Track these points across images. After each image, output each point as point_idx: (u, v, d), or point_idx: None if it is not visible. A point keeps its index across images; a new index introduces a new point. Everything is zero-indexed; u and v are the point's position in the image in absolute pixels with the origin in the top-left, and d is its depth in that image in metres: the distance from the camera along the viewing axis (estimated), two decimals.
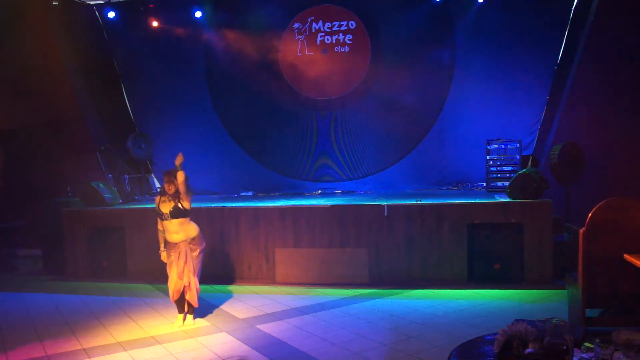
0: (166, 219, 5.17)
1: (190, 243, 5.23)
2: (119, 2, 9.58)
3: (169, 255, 5.30)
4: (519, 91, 8.64)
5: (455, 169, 9.12)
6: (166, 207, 5.17)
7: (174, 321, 5.46)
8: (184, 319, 5.42)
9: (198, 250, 5.31)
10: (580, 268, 4.37)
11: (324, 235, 6.96)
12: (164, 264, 5.43)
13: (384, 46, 9.26)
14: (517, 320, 2.78)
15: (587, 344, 2.72)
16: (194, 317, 5.51)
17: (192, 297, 5.30)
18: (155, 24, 9.53)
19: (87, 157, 9.27)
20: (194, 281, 5.27)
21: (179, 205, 5.15)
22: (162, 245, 5.37)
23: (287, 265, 7.09)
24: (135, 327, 5.43)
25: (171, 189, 5.16)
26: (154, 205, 5.37)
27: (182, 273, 5.20)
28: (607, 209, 4.33)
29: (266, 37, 9.62)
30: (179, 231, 5.19)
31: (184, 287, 5.27)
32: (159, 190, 9.93)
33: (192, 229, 5.27)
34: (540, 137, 8.64)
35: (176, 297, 5.32)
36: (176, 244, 5.22)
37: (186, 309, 5.44)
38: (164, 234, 5.30)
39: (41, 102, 9.35)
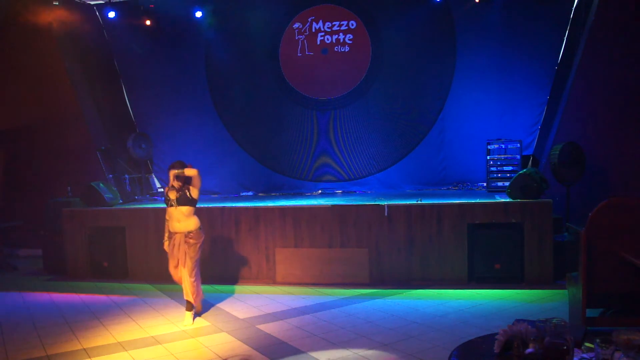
0: (172, 205, 5.25)
1: (187, 236, 5.25)
2: (119, 2, 9.58)
3: (169, 247, 5.36)
4: (519, 91, 8.64)
5: (456, 169, 9.12)
6: (173, 194, 5.27)
7: (175, 321, 5.43)
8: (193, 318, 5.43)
9: (193, 242, 5.29)
10: (581, 268, 4.37)
11: (325, 235, 6.96)
12: (165, 264, 5.49)
13: (384, 46, 9.26)
14: (517, 320, 2.78)
15: (587, 344, 2.71)
16: (194, 317, 5.49)
17: (187, 295, 5.36)
18: (148, 22, 9.49)
19: (87, 157, 9.29)
20: (189, 280, 5.28)
21: (187, 193, 5.24)
22: (166, 235, 5.42)
23: (288, 265, 7.09)
24: (136, 327, 5.43)
25: (179, 182, 5.27)
26: (154, 205, 5.39)
27: (178, 265, 5.28)
28: (607, 209, 4.32)
29: (266, 37, 9.63)
30: (181, 220, 5.25)
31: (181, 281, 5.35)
32: (159, 189, 9.97)
33: (191, 223, 5.31)
34: (541, 137, 8.64)
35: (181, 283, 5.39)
36: (175, 233, 5.27)
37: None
38: (168, 223, 5.38)
39: (41, 102, 9.36)
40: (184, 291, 5.40)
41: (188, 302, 5.44)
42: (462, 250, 6.61)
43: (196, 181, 5.29)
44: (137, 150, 9.33)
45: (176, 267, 5.33)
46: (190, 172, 5.24)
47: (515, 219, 6.48)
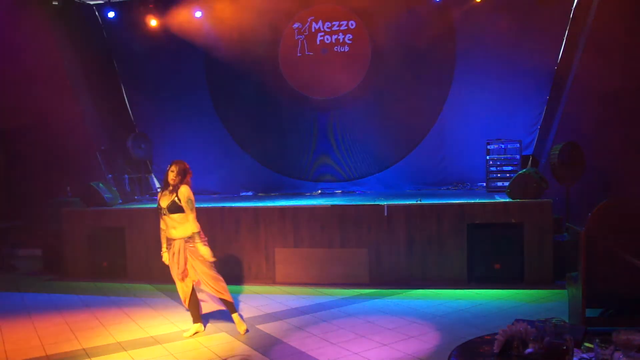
0: (164, 214, 4.93)
1: (187, 242, 4.93)
2: (119, 2, 9.58)
3: (169, 255, 5.03)
4: (519, 91, 8.63)
5: (455, 169, 9.11)
6: (164, 201, 4.92)
7: (175, 321, 5.40)
8: (197, 329, 5.11)
9: (197, 244, 4.94)
10: (581, 268, 4.37)
11: (324, 235, 6.96)
12: (165, 264, 5.20)
13: (384, 46, 9.24)
14: (517, 320, 2.78)
15: (587, 344, 2.72)
16: (239, 314, 5.21)
17: (215, 291, 4.96)
18: (154, 25, 9.52)
19: (87, 157, 9.27)
20: (213, 281, 4.94)
21: (177, 200, 4.86)
22: (164, 245, 5.10)
23: (287, 265, 7.09)
24: (135, 327, 5.43)
25: (176, 180, 4.91)
26: (153, 205, 5.25)
27: (183, 274, 4.94)
28: (607, 209, 4.33)
29: (266, 36, 9.62)
30: (176, 226, 4.92)
31: (194, 287, 5.01)
32: (158, 189, 9.95)
33: (189, 227, 4.94)
34: (540, 137, 8.63)
35: (186, 302, 5.06)
36: (174, 240, 4.96)
37: (226, 308, 5.13)
38: (165, 231, 5.04)
39: (41, 102, 9.34)
40: (215, 292, 4.98)
41: (228, 302, 5.06)
42: (462, 250, 6.60)
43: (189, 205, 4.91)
44: (136, 150, 9.33)
45: (182, 279, 4.97)
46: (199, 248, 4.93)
47: (515, 219, 6.48)
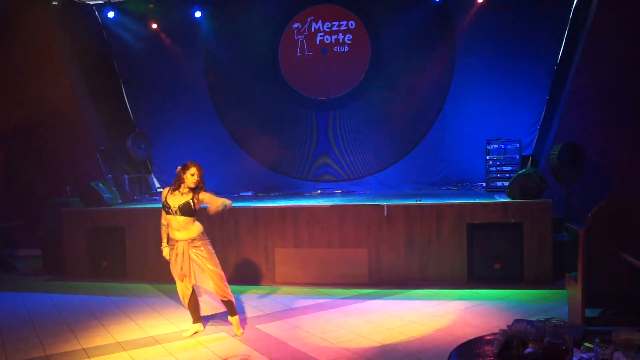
0: (172, 214, 4.86)
1: (190, 243, 4.90)
2: (119, 2, 9.58)
3: (171, 253, 4.98)
4: (518, 91, 8.64)
5: (455, 169, 9.11)
6: (175, 201, 4.86)
7: (174, 321, 5.40)
8: (196, 329, 5.10)
9: (202, 248, 4.93)
10: (580, 268, 4.37)
11: (324, 235, 6.96)
12: (164, 264, 5.21)
13: (384, 46, 9.26)
14: (517, 320, 2.78)
15: (586, 344, 2.72)
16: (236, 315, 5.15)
17: (220, 289, 4.93)
18: (154, 26, 9.55)
19: (87, 157, 9.28)
20: (218, 279, 4.92)
21: (191, 202, 4.85)
22: (164, 240, 5.05)
23: (287, 265, 7.09)
24: (135, 327, 5.43)
25: (198, 183, 4.92)
26: (153, 205, 5.24)
27: (185, 276, 4.90)
28: (607, 209, 4.33)
29: (266, 37, 9.63)
30: (181, 229, 4.87)
31: (194, 289, 5.00)
32: (158, 189, 9.94)
33: (194, 229, 4.94)
34: (540, 137, 8.64)
35: (185, 302, 5.06)
36: (177, 241, 4.92)
37: (227, 310, 5.11)
38: (167, 228, 5.00)
39: (41, 102, 9.35)
40: (216, 292, 4.96)
41: (229, 302, 5.01)
42: (462, 250, 6.60)
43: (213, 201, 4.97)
44: (136, 150, 9.32)
45: (182, 279, 4.93)
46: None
47: (515, 219, 6.48)
